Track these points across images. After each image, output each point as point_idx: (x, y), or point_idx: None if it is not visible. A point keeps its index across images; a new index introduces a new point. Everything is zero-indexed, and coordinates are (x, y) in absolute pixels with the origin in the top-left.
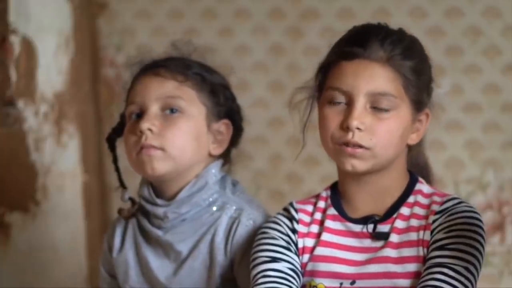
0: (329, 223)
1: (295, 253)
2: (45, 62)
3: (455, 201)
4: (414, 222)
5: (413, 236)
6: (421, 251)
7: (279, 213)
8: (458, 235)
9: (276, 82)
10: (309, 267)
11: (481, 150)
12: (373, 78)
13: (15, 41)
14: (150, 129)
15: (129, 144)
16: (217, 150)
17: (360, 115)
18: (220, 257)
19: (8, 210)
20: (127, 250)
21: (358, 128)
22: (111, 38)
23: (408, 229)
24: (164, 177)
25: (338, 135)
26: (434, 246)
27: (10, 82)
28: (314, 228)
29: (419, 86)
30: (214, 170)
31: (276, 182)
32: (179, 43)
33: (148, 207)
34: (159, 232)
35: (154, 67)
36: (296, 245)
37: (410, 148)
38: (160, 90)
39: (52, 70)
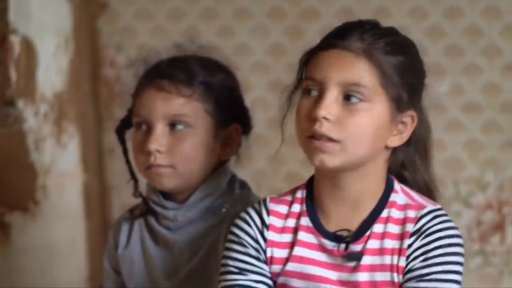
0: (302, 236)
1: (264, 262)
2: (45, 62)
3: (430, 217)
4: (387, 243)
5: (386, 259)
6: (395, 277)
7: (253, 209)
8: (435, 263)
9: (276, 82)
10: (281, 280)
11: (481, 150)
12: (345, 68)
13: (15, 41)
14: (157, 150)
15: (138, 160)
16: (227, 155)
17: (329, 105)
18: None
19: (8, 210)
20: (133, 247)
21: (326, 119)
22: (111, 38)
23: (381, 251)
24: (174, 190)
25: (306, 126)
26: (410, 275)
27: (10, 82)
28: (286, 238)
29: (400, 84)
30: (224, 174)
31: (276, 182)
32: (183, 42)
33: (158, 209)
34: (166, 232)
35: (158, 78)
36: (265, 252)
37: (393, 152)
38: (166, 107)
39: (52, 70)
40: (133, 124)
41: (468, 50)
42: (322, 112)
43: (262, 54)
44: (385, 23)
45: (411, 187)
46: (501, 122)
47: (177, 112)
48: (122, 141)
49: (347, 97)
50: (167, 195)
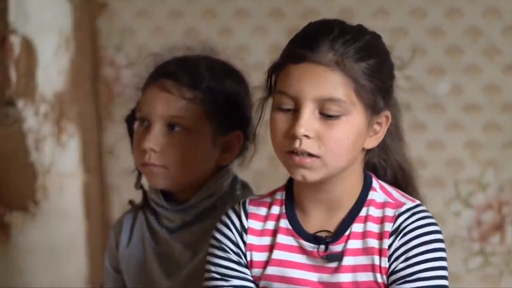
0: (281, 238)
1: (245, 266)
2: (45, 62)
3: (407, 215)
4: (369, 243)
5: (368, 260)
6: (378, 277)
7: (233, 211)
8: (417, 262)
9: None
10: (262, 284)
11: (481, 150)
12: (320, 83)
13: (15, 41)
14: (152, 149)
15: (135, 155)
16: (226, 161)
17: (307, 122)
18: None
19: (8, 210)
20: (134, 247)
21: (306, 136)
22: (111, 38)
23: (363, 251)
24: (168, 189)
25: (285, 143)
26: (394, 277)
27: (10, 82)
28: (265, 240)
29: (375, 90)
30: (226, 176)
31: (276, 182)
32: (195, 45)
33: (158, 209)
34: (166, 233)
35: (163, 77)
36: (245, 256)
37: (368, 151)
38: (166, 108)
39: (52, 70)
40: (137, 118)
41: (468, 50)
42: (301, 130)
43: (262, 54)
44: (385, 23)
45: (385, 172)
46: (501, 122)
47: (176, 114)
48: (131, 132)
49: (323, 112)
50: (169, 194)
